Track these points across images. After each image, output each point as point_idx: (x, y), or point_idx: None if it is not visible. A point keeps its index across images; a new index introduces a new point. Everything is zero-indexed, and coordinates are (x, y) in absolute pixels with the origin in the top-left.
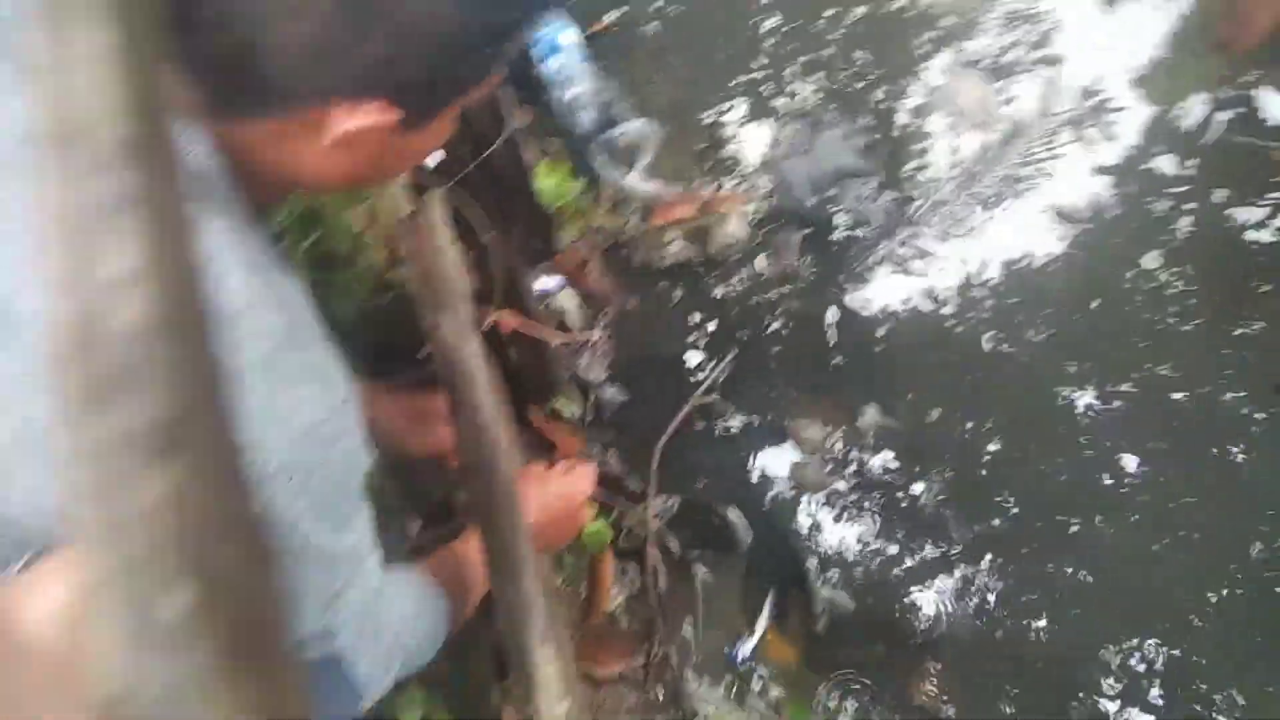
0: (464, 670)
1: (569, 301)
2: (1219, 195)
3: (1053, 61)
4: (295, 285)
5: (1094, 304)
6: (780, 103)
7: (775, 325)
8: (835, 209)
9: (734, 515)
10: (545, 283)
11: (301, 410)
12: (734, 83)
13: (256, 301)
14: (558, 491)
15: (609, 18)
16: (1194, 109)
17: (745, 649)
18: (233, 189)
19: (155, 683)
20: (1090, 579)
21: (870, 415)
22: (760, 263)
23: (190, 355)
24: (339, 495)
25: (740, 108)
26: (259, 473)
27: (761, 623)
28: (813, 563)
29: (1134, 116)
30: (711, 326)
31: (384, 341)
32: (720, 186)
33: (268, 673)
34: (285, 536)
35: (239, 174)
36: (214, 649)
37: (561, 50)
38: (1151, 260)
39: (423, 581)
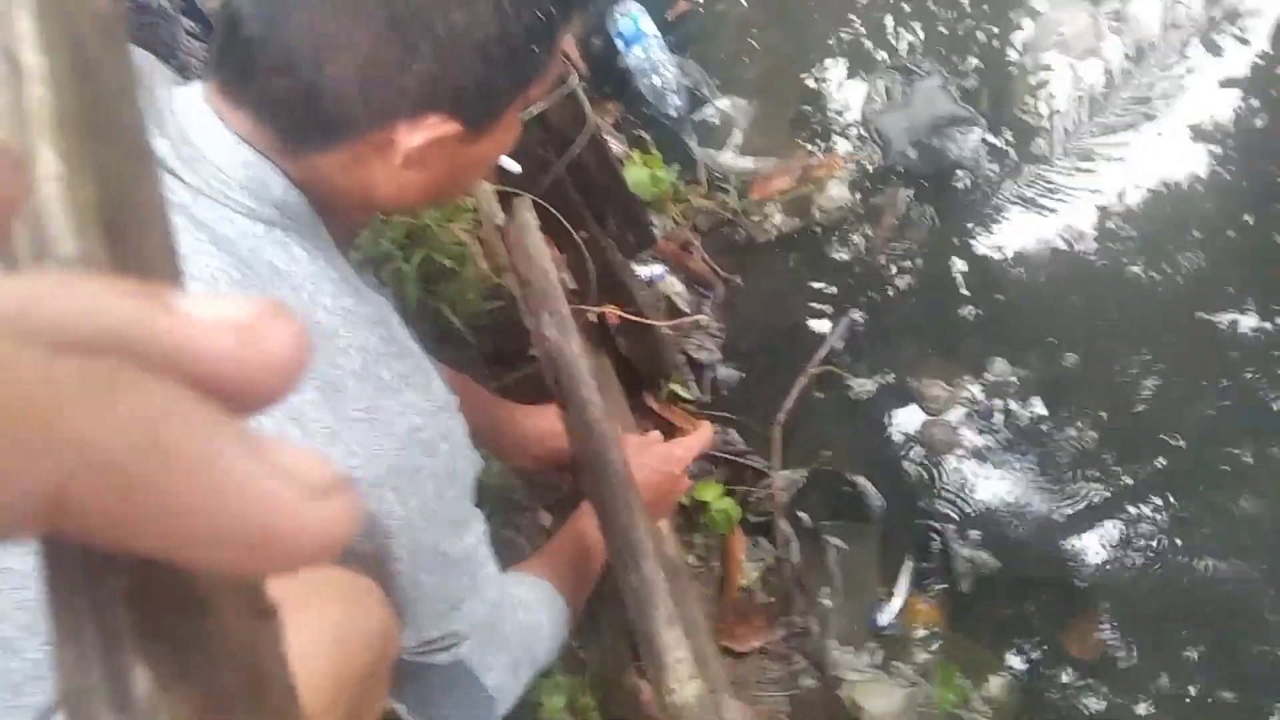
0: (601, 653)
1: (675, 286)
2: None
3: None
4: (386, 301)
5: (1247, 221)
6: (880, 57)
7: (892, 286)
8: (944, 159)
9: (864, 483)
10: (649, 270)
11: (402, 417)
12: (828, 42)
13: (350, 319)
14: (654, 464)
15: (691, 3)
16: None
17: (887, 615)
18: (315, 218)
19: None
20: (1267, 511)
21: (1000, 366)
22: (868, 225)
23: None
24: (449, 497)
25: (836, 69)
26: (369, 478)
27: (902, 588)
28: (950, 524)
29: (1266, 19)
30: (824, 296)
31: (497, 346)
32: (816, 153)
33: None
34: (399, 539)
35: (321, 203)
36: None
37: (643, 38)
38: None
39: (540, 584)
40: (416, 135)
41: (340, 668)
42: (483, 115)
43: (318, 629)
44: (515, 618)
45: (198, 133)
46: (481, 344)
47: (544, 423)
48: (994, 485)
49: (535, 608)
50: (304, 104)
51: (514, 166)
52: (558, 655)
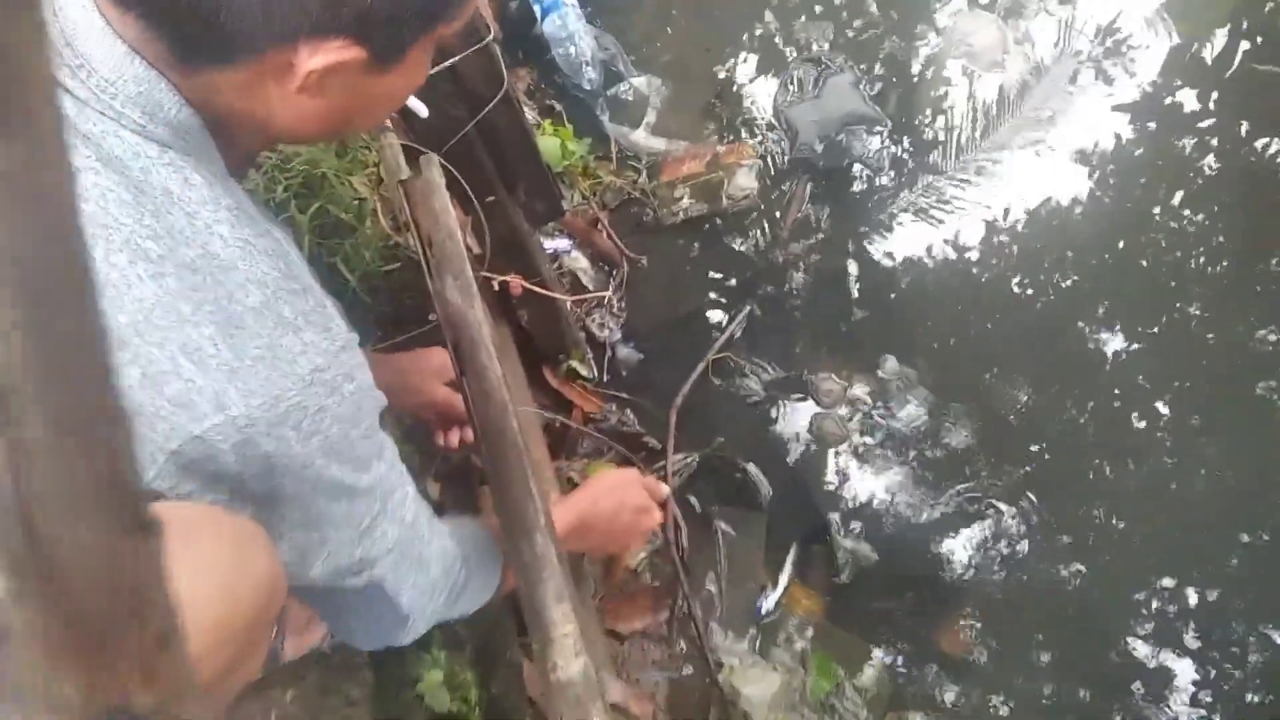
0: (485, 629)
1: (580, 261)
2: (1243, 128)
3: (1070, 0)
4: (285, 235)
5: (1120, 245)
6: (789, 54)
7: (792, 280)
8: (847, 157)
9: (754, 470)
10: (555, 243)
11: (304, 356)
12: (741, 37)
13: (249, 251)
14: (636, 503)
15: None
16: (1216, 40)
17: (769, 602)
18: (209, 142)
19: None
20: (1122, 524)
21: (890, 366)
22: (774, 216)
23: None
24: (353, 436)
25: (748, 62)
26: (268, 416)
27: (785, 576)
28: (835, 515)
29: (1154, 53)
30: (727, 283)
31: (393, 307)
32: (728, 140)
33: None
34: (301, 475)
35: (214, 127)
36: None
37: (561, 7)
38: (1176, 199)
39: (471, 523)
40: (317, 58)
41: (227, 614)
42: (389, 46)
43: (205, 573)
44: (436, 542)
45: (85, 39)
46: (376, 305)
47: (433, 360)
48: (875, 481)
49: (463, 540)
50: (200, 15)
51: (421, 109)
52: (490, 599)
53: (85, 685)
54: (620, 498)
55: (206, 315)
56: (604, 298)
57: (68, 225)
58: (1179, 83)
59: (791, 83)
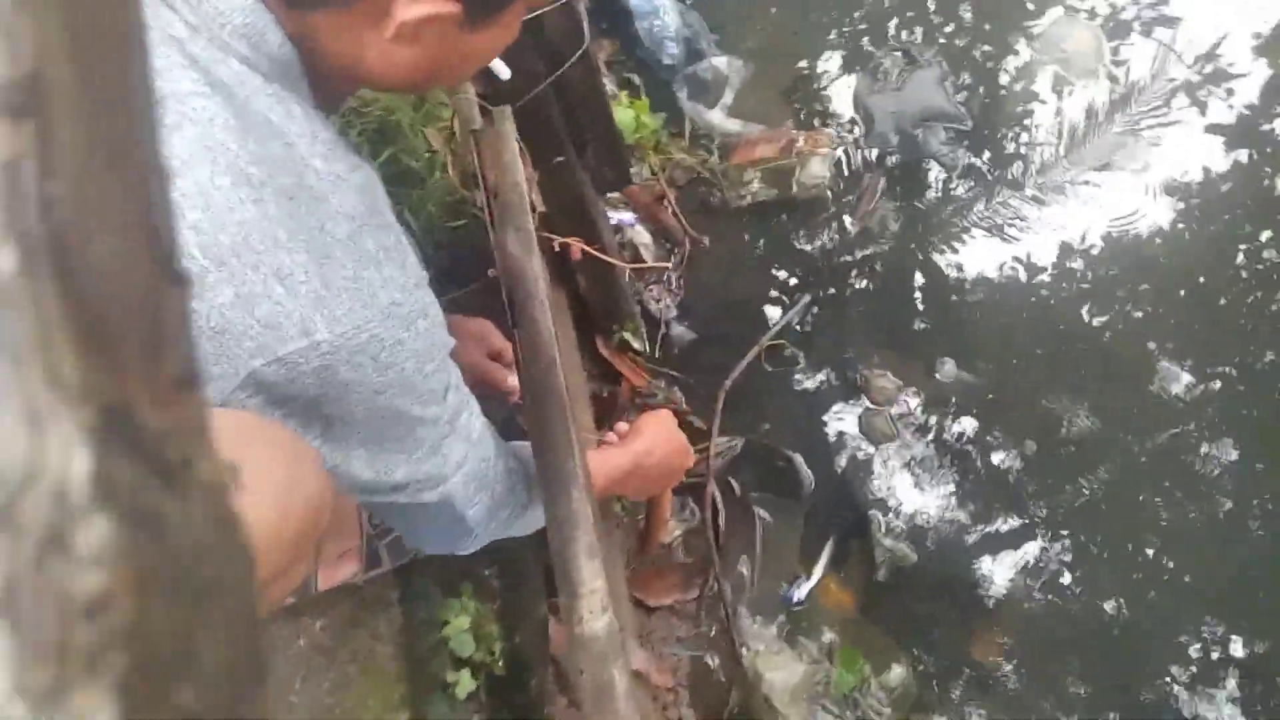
0: (515, 586)
1: (643, 236)
2: None
3: (1170, 23)
4: (372, 172)
5: (1199, 280)
6: (876, 52)
7: (857, 278)
8: (922, 153)
9: (798, 460)
10: (619, 215)
11: (384, 290)
12: (830, 32)
13: (340, 185)
14: (681, 444)
15: None
16: None
17: (801, 592)
18: (303, 80)
19: None
20: (1172, 564)
21: (948, 369)
22: (844, 210)
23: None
24: (427, 371)
25: (834, 55)
26: (349, 345)
27: (820, 568)
28: (876, 513)
29: (1254, 82)
30: (789, 272)
31: (453, 264)
32: (804, 128)
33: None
34: (374, 402)
35: (308, 66)
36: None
37: None
38: (1263, 237)
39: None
40: (414, 8)
41: (275, 525)
42: (484, 5)
43: (256, 479)
44: (501, 463)
45: None
46: (438, 260)
47: (475, 326)
48: (921, 485)
49: (529, 464)
50: None
51: (504, 71)
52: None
53: (87, 369)
54: (668, 445)
55: (300, 243)
56: (664, 271)
57: None
58: (1278, 111)
59: (877, 71)
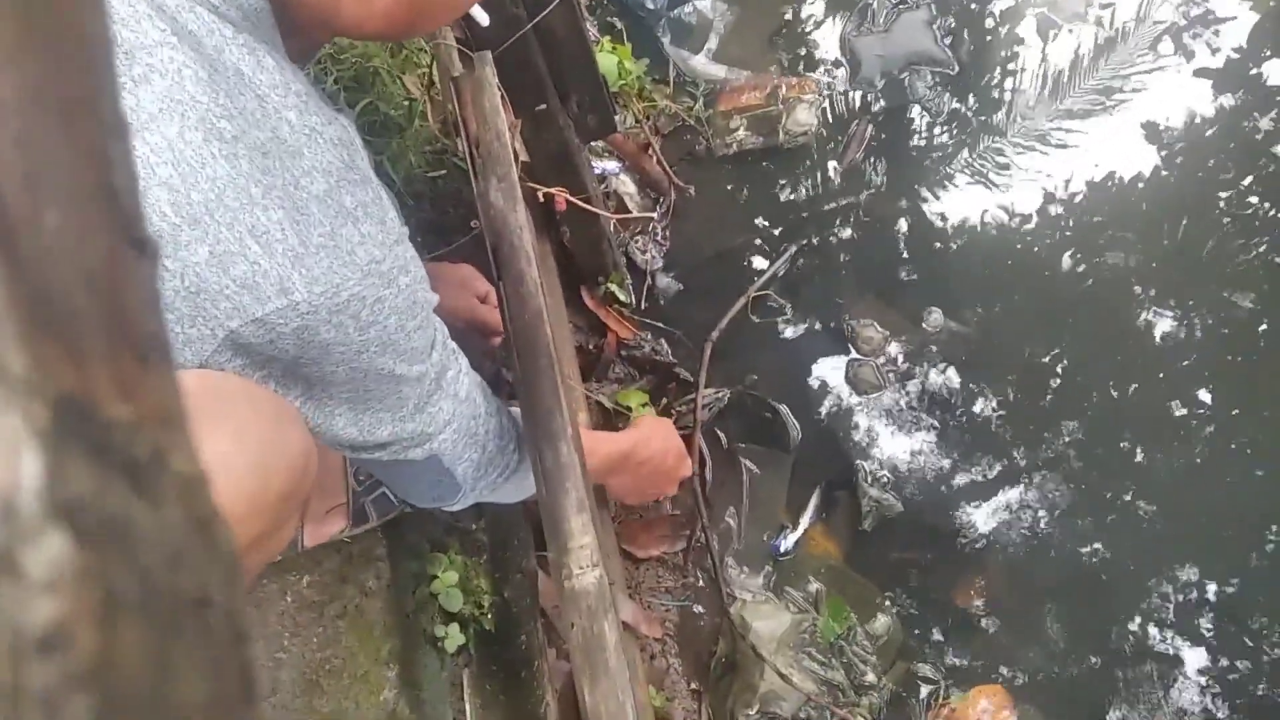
0: (504, 541)
1: (627, 185)
2: None
3: None
4: (350, 123)
5: (1180, 226)
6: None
7: (843, 227)
8: (907, 96)
9: (785, 411)
10: (603, 164)
11: (362, 247)
12: None
13: (315, 138)
14: (678, 450)
15: None
16: None
17: (787, 542)
18: (275, 30)
19: None
20: (1149, 508)
21: (935, 318)
22: (830, 158)
23: None
24: (409, 328)
25: (819, 1)
26: (329, 304)
27: (806, 518)
28: (863, 463)
29: (1240, 25)
30: (775, 221)
31: (434, 215)
32: (791, 74)
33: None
34: (356, 361)
35: (281, 15)
36: None
37: None
38: (1245, 182)
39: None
40: None
41: (260, 488)
42: None
43: (240, 445)
44: (492, 420)
45: None
46: (419, 211)
47: (461, 272)
48: (907, 435)
49: (519, 424)
50: None
51: (483, 17)
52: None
53: (36, 357)
54: (666, 443)
55: (275, 200)
56: (649, 222)
57: None
58: (1266, 53)
59: (865, 12)
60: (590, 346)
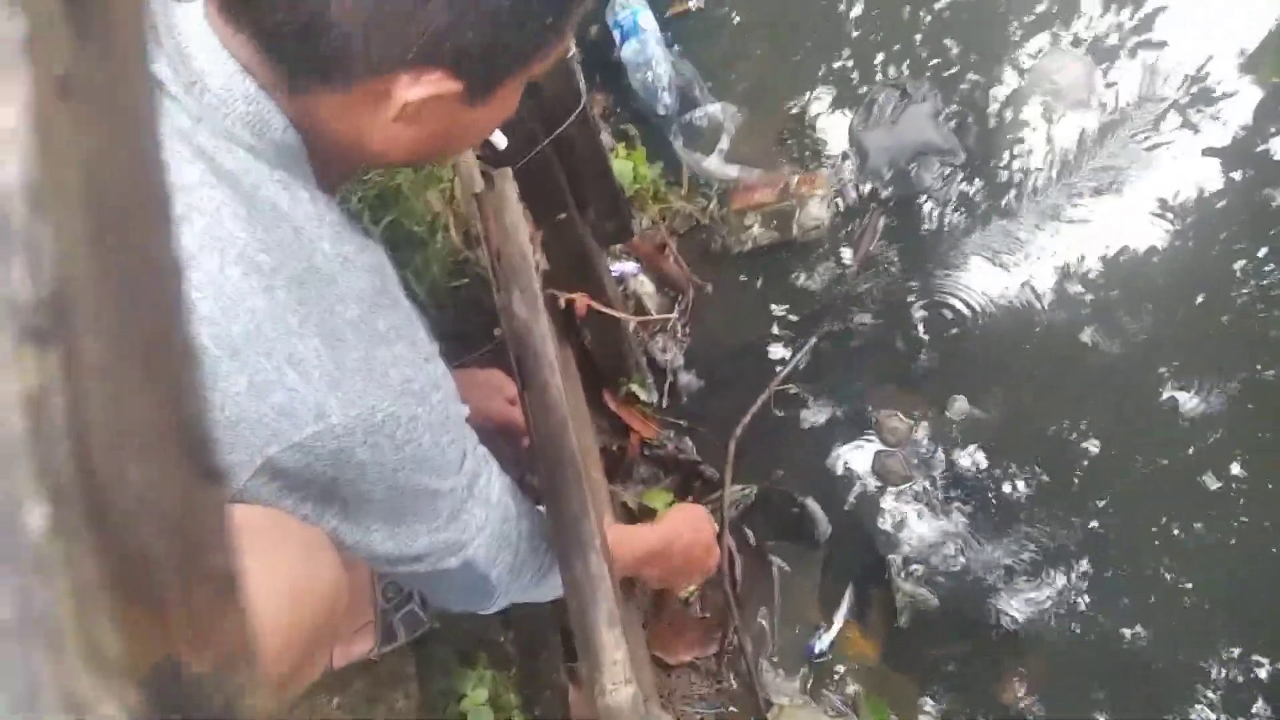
0: (533, 652)
1: (646, 286)
2: None
3: (1156, 45)
4: (380, 251)
5: (1199, 300)
6: (864, 90)
7: (860, 315)
8: (915, 188)
9: (813, 506)
10: (622, 266)
11: (395, 368)
12: (819, 71)
13: (348, 267)
14: (708, 541)
15: (692, 3)
16: None
17: (823, 642)
18: (307, 163)
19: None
20: (1189, 586)
21: (959, 406)
22: (844, 249)
23: (80, 226)
24: (443, 443)
25: (824, 96)
26: (365, 425)
27: (840, 616)
28: (895, 557)
29: (1244, 100)
30: (793, 314)
31: (458, 324)
32: (801, 170)
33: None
34: (393, 479)
35: (311, 148)
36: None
37: (640, 33)
38: (1260, 253)
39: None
40: (415, 89)
41: (292, 621)
42: (484, 81)
43: (271, 580)
44: (524, 523)
45: (199, 57)
46: (443, 320)
47: (492, 378)
48: (938, 526)
49: (541, 523)
50: (304, 37)
51: (501, 141)
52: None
53: (129, 636)
54: (696, 534)
55: (312, 327)
56: (669, 322)
57: (146, 141)
58: (1272, 130)
59: (871, 107)
60: (614, 447)
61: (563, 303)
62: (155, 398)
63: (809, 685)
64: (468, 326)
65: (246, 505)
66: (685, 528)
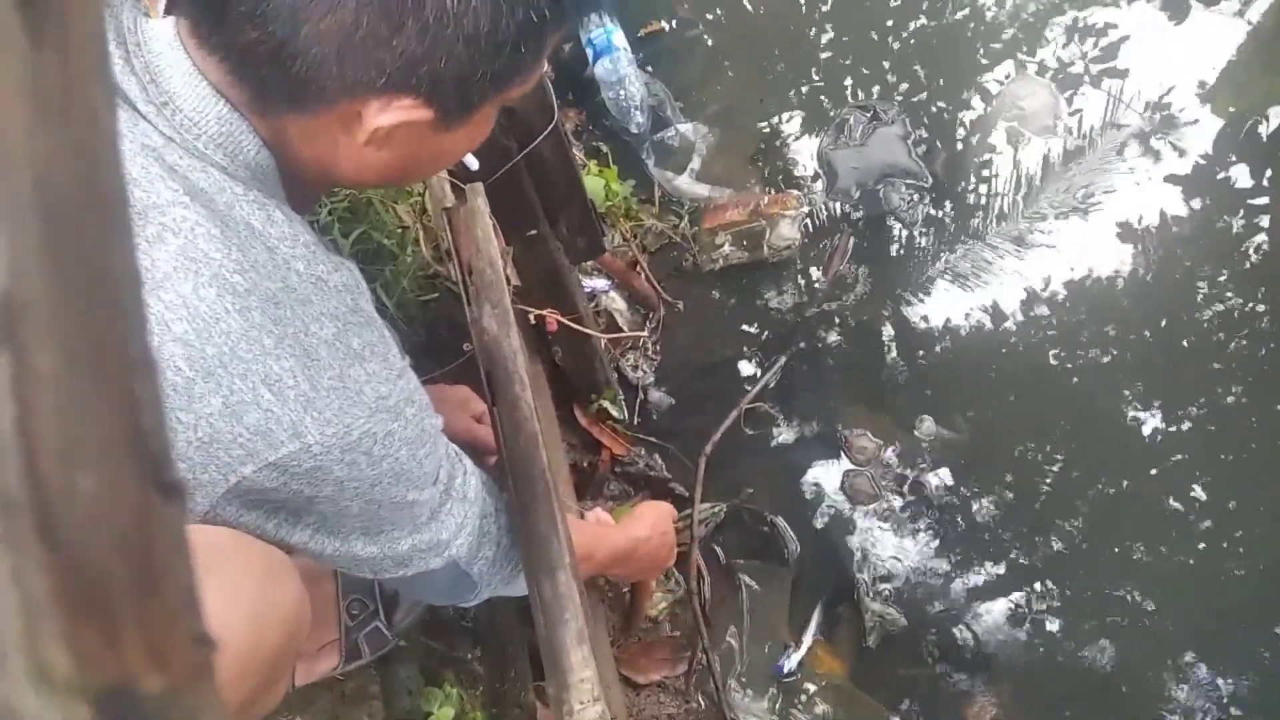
0: (501, 671)
1: (617, 303)
2: None
3: (1119, 73)
4: (353, 270)
5: (1162, 323)
6: (834, 112)
7: (830, 335)
8: (882, 208)
9: (783, 524)
10: (593, 283)
11: (369, 385)
12: (789, 93)
13: (322, 287)
14: (673, 539)
15: (665, 23)
16: (1272, 115)
17: (791, 662)
18: (279, 184)
19: None
20: (1153, 606)
21: (927, 426)
22: (814, 269)
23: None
24: (420, 456)
25: (795, 118)
26: (342, 443)
27: (809, 635)
28: (863, 576)
29: (1204, 130)
30: (764, 332)
31: (427, 338)
32: (772, 190)
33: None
34: (370, 494)
35: (283, 170)
36: None
37: (613, 51)
38: (1222, 277)
39: None
40: (386, 115)
41: (252, 645)
42: (457, 107)
43: (232, 602)
44: (502, 518)
45: (170, 77)
46: (412, 334)
47: (459, 394)
48: (906, 545)
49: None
50: (275, 60)
51: (473, 163)
52: None
53: (79, 654)
54: (664, 538)
55: (287, 348)
56: (639, 339)
57: (103, 149)
58: (1232, 158)
59: (842, 128)
60: (584, 464)
61: (533, 319)
62: (109, 408)
63: (777, 705)
64: (437, 341)
65: (208, 525)
66: (654, 531)
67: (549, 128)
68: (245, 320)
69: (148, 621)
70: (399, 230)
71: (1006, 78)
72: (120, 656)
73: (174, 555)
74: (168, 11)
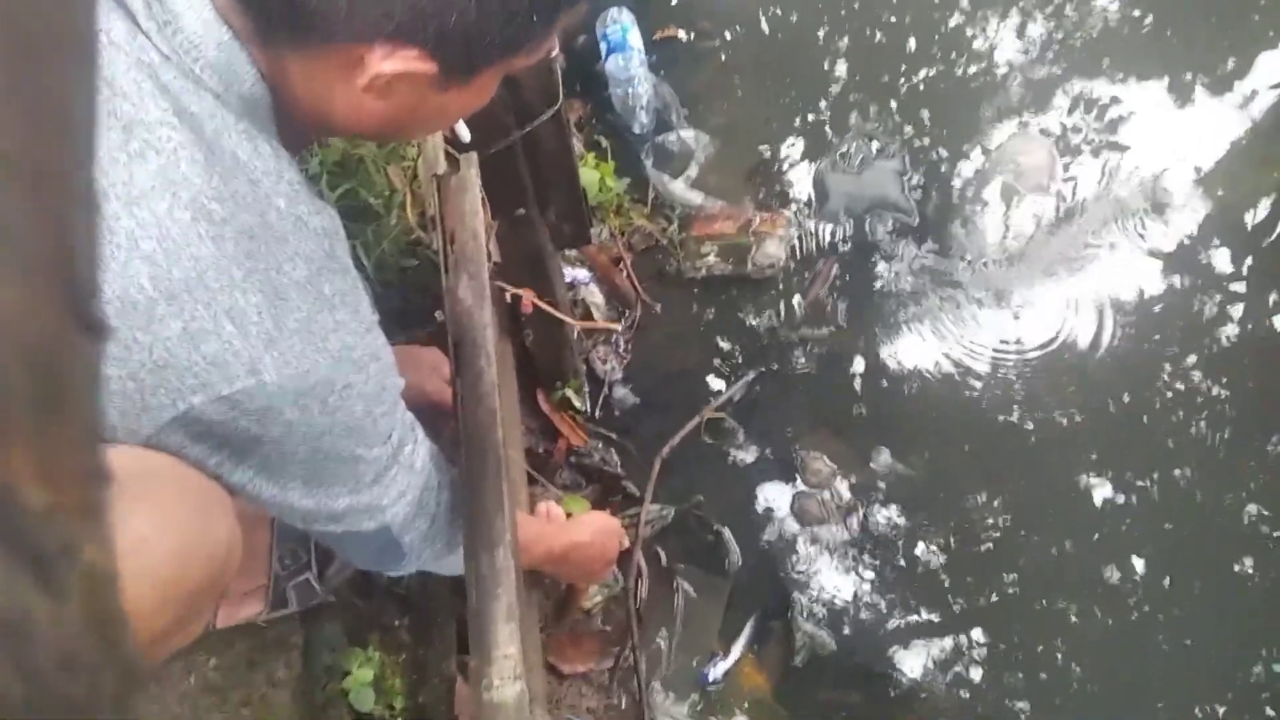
0: (426, 640)
1: (596, 296)
2: (1272, 298)
3: (1119, 148)
4: (334, 215)
5: (1125, 397)
6: (836, 143)
7: (800, 359)
8: (864, 238)
9: (728, 535)
10: (575, 273)
11: (335, 334)
12: (796, 120)
13: (300, 227)
14: (614, 554)
15: (682, 32)
16: (1260, 207)
17: (717, 671)
18: (272, 120)
19: None
20: (1079, 670)
21: (883, 459)
22: (794, 293)
23: None
24: (376, 414)
25: (797, 144)
26: (297, 387)
27: (738, 647)
28: (800, 597)
29: (1192, 213)
30: (736, 346)
31: (401, 303)
32: (765, 208)
33: None
34: (318, 443)
35: (278, 107)
36: None
37: (627, 49)
38: (1189, 360)
39: None
40: (389, 63)
41: (176, 576)
42: (461, 67)
43: (161, 530)
44: (443, 494)
45: None
46: (387, 298)
47: (428, 355)
48: (845, 572)
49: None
50: None
51: (465, 133)
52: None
53: None
54: (604, 550)
55: (256, 283)
56: (612, 333)
57: None
58: (1216, 242)
59: (841, 153)
60: (540, 450)
61: (509, 297)
62: (40, 229)
63: (697, 711)
64: (409, 306)
65: (151, 451)
66: (598, 539)
67: (551, 110)
68: (217, 249)
69: (41, 438)
70: (387, 193)
71: (1009, 135)
72: (6, 463)
73: (82, 388)
74: None
